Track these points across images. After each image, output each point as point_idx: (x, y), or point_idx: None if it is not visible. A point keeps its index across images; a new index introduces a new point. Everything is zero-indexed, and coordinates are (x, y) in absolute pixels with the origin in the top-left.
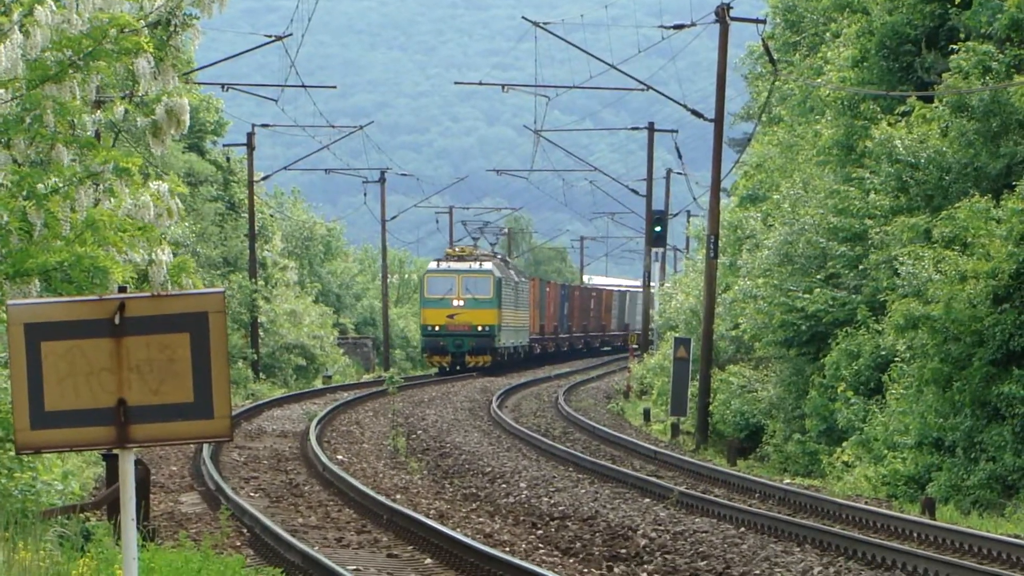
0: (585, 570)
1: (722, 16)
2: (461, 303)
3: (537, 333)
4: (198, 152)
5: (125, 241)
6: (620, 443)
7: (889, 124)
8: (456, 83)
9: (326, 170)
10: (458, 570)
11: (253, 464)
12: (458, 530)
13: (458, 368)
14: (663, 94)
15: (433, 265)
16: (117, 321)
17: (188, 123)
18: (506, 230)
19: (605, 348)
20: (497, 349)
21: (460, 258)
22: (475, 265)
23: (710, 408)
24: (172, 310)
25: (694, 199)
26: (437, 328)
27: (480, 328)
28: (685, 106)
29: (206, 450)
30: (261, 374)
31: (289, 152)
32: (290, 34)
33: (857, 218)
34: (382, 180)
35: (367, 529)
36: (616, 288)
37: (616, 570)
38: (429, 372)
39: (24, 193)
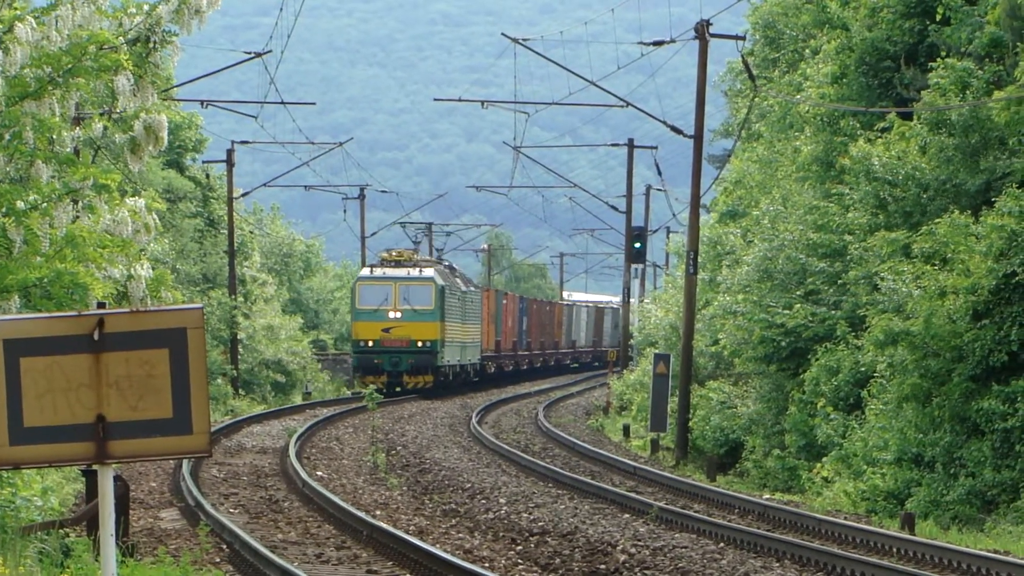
0: None
1: (701, 33)
2: (398, 315)
3: (491, 350)
4: (178, 169)
5: (105, 257)
6: (600, 459)
7: (867, 141)
8: (435, 100)
9: (306, 187)
10: None
11: (233, 480)
12: (438, 546)
13: (397, 389)
14: (643, 111)
15: (366, 272)
16: (96, 337)
17: (166, 140)
18: (486, 245)
19: (573, 366)
20: (440, 368)
21: (397, 263)
22: (414, 272)
23: (690, 424)
24: (151, 326)
25: (674, 215)
26: (370, 344)
27: (420, 344)
28: (665, 123)
29: (185, 466)
30: (240, 390)
31: (268, 169)
32: (270, 51)
33: (836, 234)
34: (362, 197)
35: (347, 545)
36: (584, 303)
37: None
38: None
39: (3, 210)
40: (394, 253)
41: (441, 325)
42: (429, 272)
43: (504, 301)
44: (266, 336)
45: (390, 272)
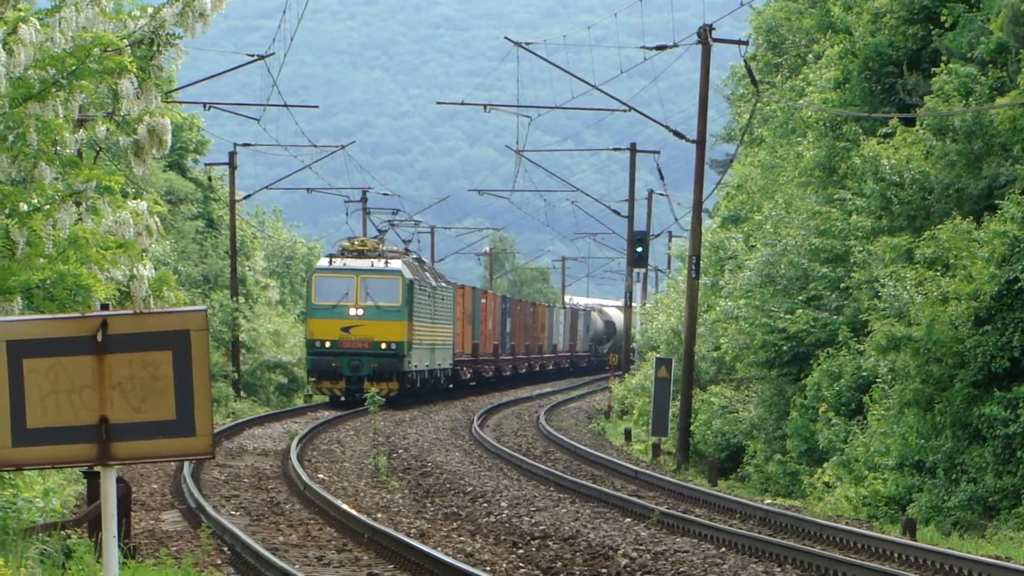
0: None
1: (704, 37)
2: (359, 312)
3: (467, 354)
4: (179, 171)
5: (107, 259)
6: (601, 463)
7: (877, 143)
8: (438, 103)
9: (308, 190)
10: None
11: (234, 482)
12: (439, 549)
13: (358, 395)
14: (645, 115)
15: (324, 262)
16: (99, 338)
17: (170, 143)
18: (488, 249)
19: (565, 370)
20: (406, 373)
21: (360, 254)
22: (379, 264)
23: (691, 428)
24: (154, 328)
25: (676, 220)
26: (328, 344)
27: (384, 346)
28: (667, 127)
29: (187, 468)
30: (242, 393)
31: (270, 171)
32: (272, 53)
33: (839, 239)
34: (364, 200)
35: (348, 548)
36: (579, 306)
37: None
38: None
39: (7, 211)
40: (356, 242)
41: (408, 325)
42: (396, 264)
43: (483, 300)
44: (272, 340)
45: (351, 263)
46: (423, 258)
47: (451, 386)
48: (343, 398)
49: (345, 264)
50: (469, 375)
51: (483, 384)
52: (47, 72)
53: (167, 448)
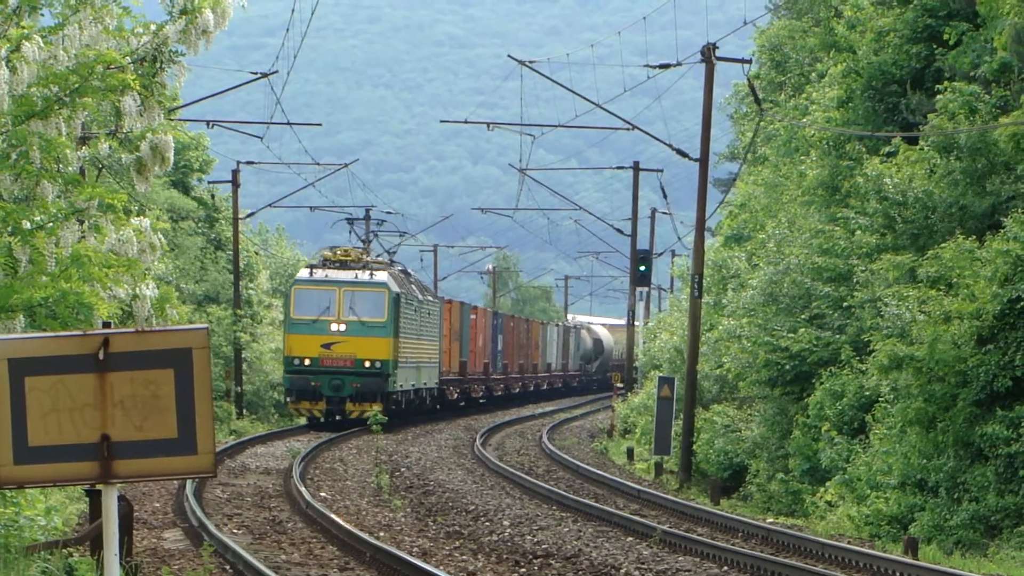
0: None
1: (708, 56)
2: (342, 328)
3: (455, 372)
4: (183, 189)
5: (110, 277)
6: (603, 482)
7: (880, 162)
8: (442, 121)
9: (311, 208)
10: None
11: (236, 501)
12: (441, 568)
13: (337, 418)
14: (648, 133)
15: (304, 274)
16: (101, 356)
17: (172, 160)
18: (491, 267)
19: (557, 390)
20: (391, 394)
21: (343, 264)
22: (363, 275)
23: (694, 447)
24: (156, 346)
25: (679, 238)
26: (307, 362)
27: (368, 364)
28: (670, 146)
29: (189, 486)
30: (245, 411)
31: (274, 189)
32: (276, 71)
33: (842, 258)
34: (367, 218)
35: (350, 566)
36: (570, 323)
37: None
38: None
39: (9, 229)
40: (339, 252)
41: (394, 342)
42: (382, 276)
43: (472, 316)
44: (275, 358)
45: (334, 275)
46: (409, 270)
47: (437, 407)
48: (322, 419)
49: (327, 276)
50: (456, 395)
51: (472, 404)
52: (50, 90)
53: (169, 466)
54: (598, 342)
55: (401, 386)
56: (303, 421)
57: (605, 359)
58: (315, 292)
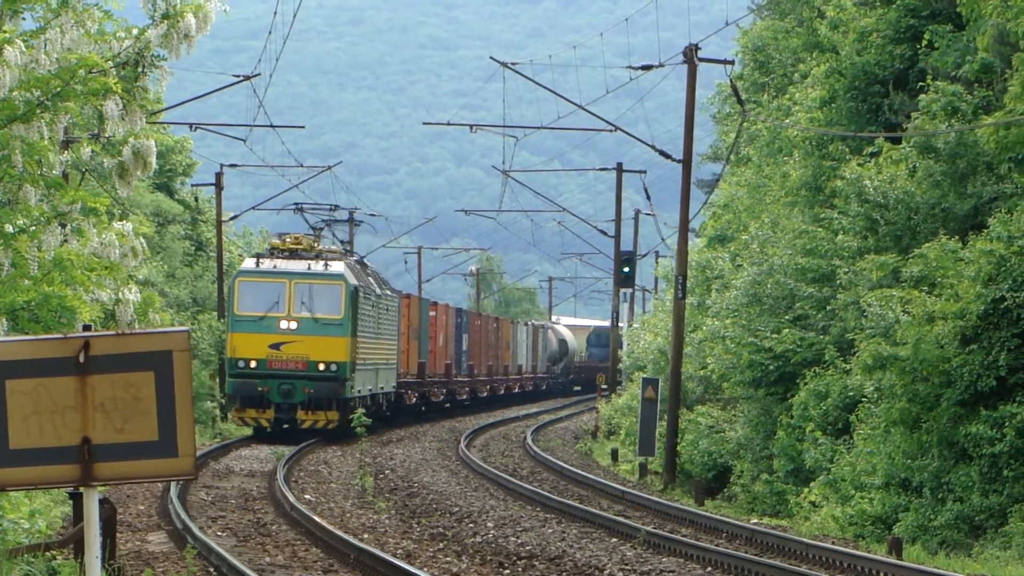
0: None
1: (690, 57)
2: (293, 325)
3: (412, 375)
4: (167, 192)
5: (92, 280)
6: (588, 483)
7: (859, 164)
8: (425, 123)
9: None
10: None
11: (221, 503)
12: (425, 569)
13: (285, 427)
14: (631, 135)
15: (250, 263)
16: (82, 359)
17: (155, 165)
18: (474, 268)
19: (528, 393)
20: (349, 401)
21: (294, 253)
22: (318, 266)
23: (678, 448)
24: (137, 348)
25: (662, 240)
26: (253, 364)
27: (323, 367)
28: (653, 147)
29: (173, 489)
30: (229, 414)
31: (257, 192)
32: (258, 74)
33: (825, 259)
34: (351, 220)
35: (334, 568)
36: (538, 323)
37: None
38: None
39: None
40: (289, 239)
41: (352, 342)
42: (338, 267)
43: (432, 313)
44: None
45: (283, 265)
46: (365, 260)
47: (388, 414)
48: (269, 429)
49: (275, 266)
50: (415, 400)
51: (432, 409)
52: (32, 94)
53: (150, 469)
54: (563, 343)
55: (359, 391)
56: (249, 432)
57: (569, 361)
58: (262, 285)
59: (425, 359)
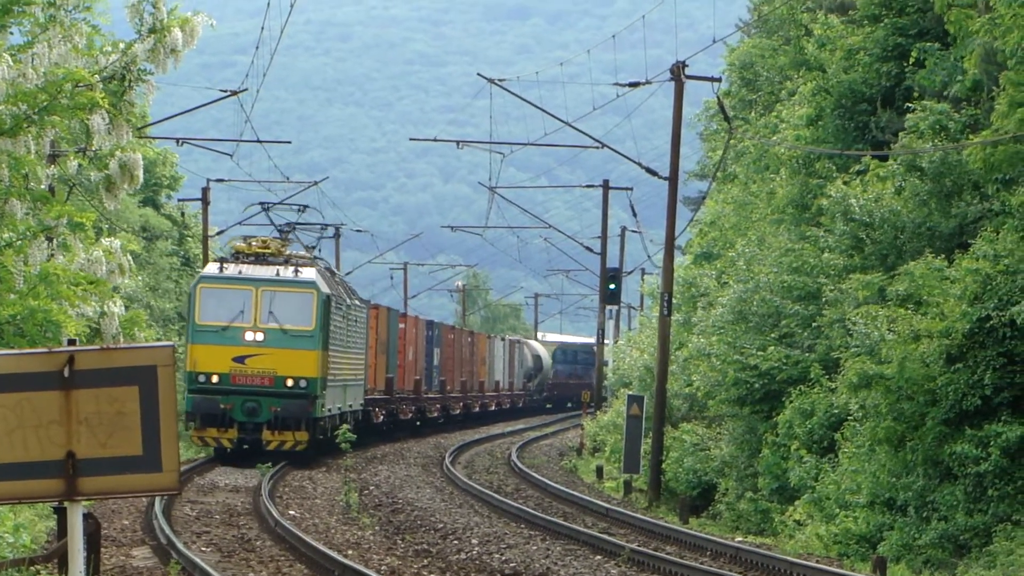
0: None
1: (677, 74)
2: (259, 337)
3: (380, 391)
4: (153, 206)
5: (78, 295)
6: (572, 500)
7: (844, 183)
8: (411, 139)
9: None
10: None
11: (205, 518)
12: None
13: (245, 447)
14: (618, 152)
15: (212, 269)
16: (66, 374)
17: (141, 178)
18: (460, 284)
19: (505, 411)
20: (318, 420)
21: (260, 258)
22: (287, 273)
23: (663, 466)
24: (121, 363)
25: (648, 257)
26: (215, 379)
27: (291, 383)
28: (640, 164)
29: (158, 504)
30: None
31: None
32: (245, 89)
33: (811, 277)
34: (336, 236)
35: None
36: (514, 338)
37: None
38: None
39: None
40: (255, 243)
41: (323, 355)
42: (309, 274)
43: (402, 325)
44: None
45: (249, 271)
46: (333, 268)
47: (354, 437)
48: (230, 449)
49: (240, 272)
50: (382, 418)
51: (400, 427)
52: (19, 108)
53: (133, 483)
54: (537, 359)
55: (329, 410)
56: (210, 453)
57: (543, 378)
58: (226, 292)
59: (393, 374)
